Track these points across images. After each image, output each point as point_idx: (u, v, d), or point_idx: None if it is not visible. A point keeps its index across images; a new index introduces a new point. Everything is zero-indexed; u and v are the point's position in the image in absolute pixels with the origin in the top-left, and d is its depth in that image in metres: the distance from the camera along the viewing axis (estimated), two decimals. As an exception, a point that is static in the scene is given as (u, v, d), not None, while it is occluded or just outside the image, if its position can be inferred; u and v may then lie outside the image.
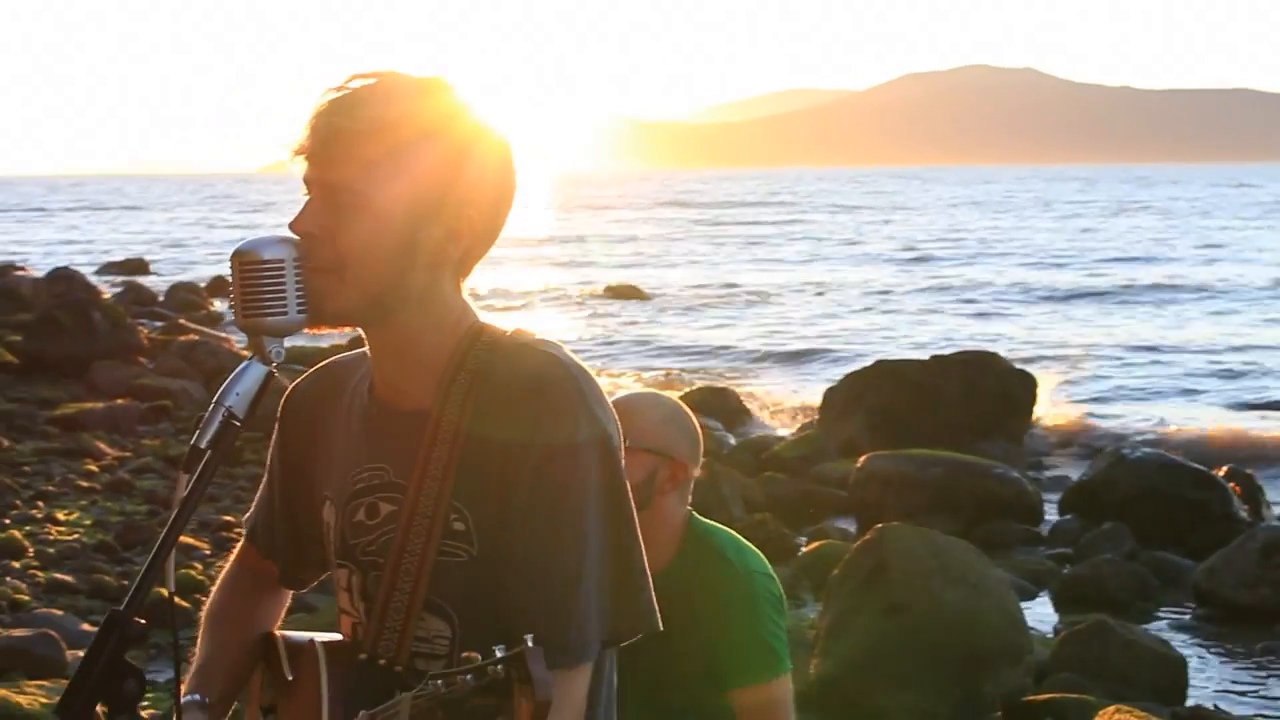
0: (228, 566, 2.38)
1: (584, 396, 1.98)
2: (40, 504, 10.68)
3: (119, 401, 14.50)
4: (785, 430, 14.79)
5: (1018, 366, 15.22)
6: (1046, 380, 16.51)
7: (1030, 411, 14.82)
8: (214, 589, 2.36)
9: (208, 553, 9.45)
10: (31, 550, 9.36)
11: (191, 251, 50.85)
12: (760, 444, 13.57)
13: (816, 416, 14.47)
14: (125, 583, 8.77)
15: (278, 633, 2.30)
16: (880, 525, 7.57)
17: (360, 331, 2.08)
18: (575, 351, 2.08)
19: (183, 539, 9.30)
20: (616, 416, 2.04)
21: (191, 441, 1.89)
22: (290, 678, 2.20)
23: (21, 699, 6.15)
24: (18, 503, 10.58)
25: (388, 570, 2.02)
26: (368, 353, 2.10)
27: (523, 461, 1.95)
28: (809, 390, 18.20)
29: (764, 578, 3.22)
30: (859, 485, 11.59)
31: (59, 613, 7.99)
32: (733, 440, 14.04)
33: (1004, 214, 76.59)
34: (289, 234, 1.96)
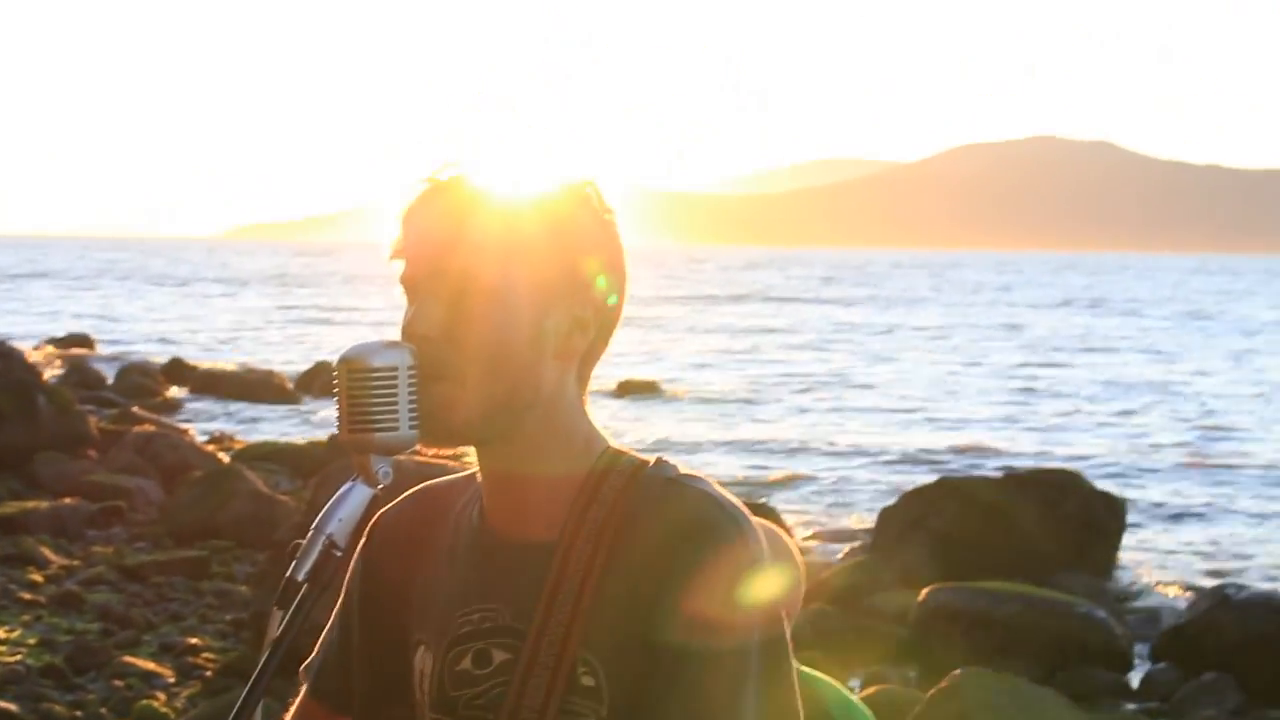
0: None
1: (747, 548, 1.91)
2: (-25, 619, 10.10)
3: (66, 501, 13.93)
4: (836, 546, 14.44)
5: (1100, 488, 14.86)
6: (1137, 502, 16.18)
7: (1119, 540, 14.47)
8: None
9: (171, 680, 9.24)
10: (-33, 673, 8.83)
11: (139, 327, 50.69)
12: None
13: (868, 540, 14.17)
14: (78, 714, 8.48)
15: None
16: (958, 671, 7.32)
17: (470, 451, 2.02)
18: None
19: (145, 664, 8.99)
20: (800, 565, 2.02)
21: (288, 573, 1.85)
22: None
23: None
24: (-50, 617, 10.15)
25: None
26: (476, 475, 2.05)
27: (672, 620, 1.88)
28: (856, 507, 17.92)
29: None
30: (921, 622, 11.12)
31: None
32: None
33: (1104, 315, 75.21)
34: (399, 339, 1.93)
